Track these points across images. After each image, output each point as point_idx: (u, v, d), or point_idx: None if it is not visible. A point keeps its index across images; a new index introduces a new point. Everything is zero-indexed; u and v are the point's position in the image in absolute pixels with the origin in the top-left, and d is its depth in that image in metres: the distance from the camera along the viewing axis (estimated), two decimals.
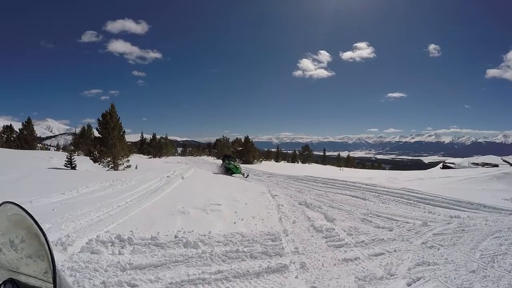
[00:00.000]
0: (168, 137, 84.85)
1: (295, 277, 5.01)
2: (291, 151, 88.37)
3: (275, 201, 11.75)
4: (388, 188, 14.57)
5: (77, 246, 5.83)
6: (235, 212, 9.44)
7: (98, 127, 29.06)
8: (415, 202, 11.81)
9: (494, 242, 7.09)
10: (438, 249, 6.57)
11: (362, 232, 7.68)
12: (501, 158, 62.59)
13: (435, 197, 12.56)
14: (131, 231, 6.82)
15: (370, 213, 9.81)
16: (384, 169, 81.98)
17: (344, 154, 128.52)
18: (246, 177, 22.81)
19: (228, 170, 24.85)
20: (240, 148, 56.50)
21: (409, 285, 4.85)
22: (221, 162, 27.93)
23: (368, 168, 75.99)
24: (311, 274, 5.18)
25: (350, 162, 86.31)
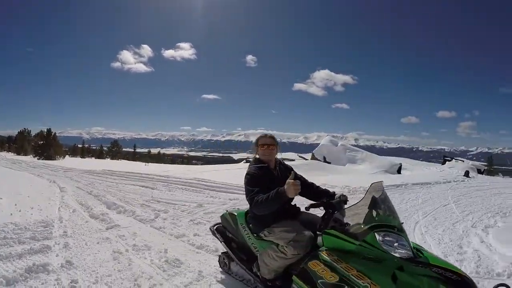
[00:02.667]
0: None
1: (56, 256, 5.25)
2: (105, 148, 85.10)
3: (61, 193, 11.59)
4: (180, 178, 15.42)
5: None
6: (15, 205, 8.98)
7: None
8: (201, 189, 12.91)
9: None
10: (204, 224, 7.46)
11: (137, 215, 8.24)
12: (298, 155, 70.95)
13: (222, 184, 13.91)
14: None
15: (152, 200, 10.43)
16: (196, 165, 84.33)
17: (156, 151, 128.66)
18: None
19: None
20: (42, 142, 52.21)
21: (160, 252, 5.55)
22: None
23: (179, 164, 77.46)
24: (72, 251, 5.48)
25: (160, 159, 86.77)
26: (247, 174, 3.98)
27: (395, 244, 3.05)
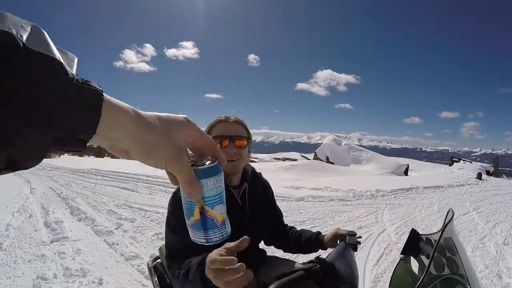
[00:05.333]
0: None
1: None
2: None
3: (28, 195, 10.40)
4: (167, 180, 13.93)
5: None
6: None
7: None
8: None
9: None
10: (164, 241, 6.09)
11: (96, 224, 6.85)
12: (300, 154, 69.96)
13: None
14: None
15: (125, 204, 8.99)
16: None
17: None
18: None
19: None
20: None
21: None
22: None
23: None
24: None
25: None
26: (172, 199, 1.82)
27: None
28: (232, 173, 1.92)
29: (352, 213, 8.95)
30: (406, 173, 30.08)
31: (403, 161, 34.49)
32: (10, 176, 15.25)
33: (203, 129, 2.00)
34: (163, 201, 9.91)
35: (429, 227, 7.81)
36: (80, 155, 69.93)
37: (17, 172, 10.48)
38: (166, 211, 1.82)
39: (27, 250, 5.27)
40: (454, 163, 36.54)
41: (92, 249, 5.40)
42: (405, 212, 9.47)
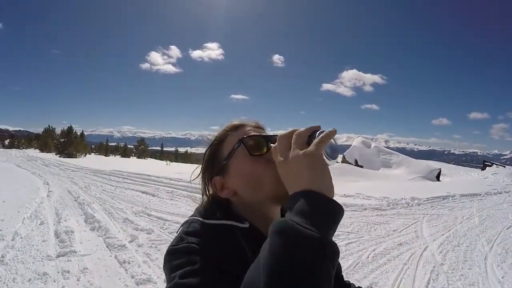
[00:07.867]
0: None
1: None
2: (131, 146, 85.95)
3: (44, 198, 10.12)
4: (191, 183, 13.38)
5: None
6: None
7: None
8: None
9: None
10: None
11: (109, 235, 6.31)
12: None
13: None
14: None
15: (143, 212, 8.42)
16: None
17: (184, 149, 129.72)
18: None
19: None
20: (63, 139, 51.39)
21: None
22: None
23: None
24: None
25: (187, 158, 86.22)
26: (173, 267, 0.81)
27: None
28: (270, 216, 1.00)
29: (389, 225, 8.23)
30: (438, 178, 28.86)
31: (434, 164, 33.23)
32: (30, 177, 15.09)
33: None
34: (185, 208, 9.30)
35: (473, 244, 7.03)
36: (106, 155, 70.68)
37: (37, 173, 10.27)
38: (182, 220, 1.10)
39: (29, 265, 4.84)
40: (487, 168, 34.98)
41: (100, 268, 4.83)
42: (445, 225, 8.68)
